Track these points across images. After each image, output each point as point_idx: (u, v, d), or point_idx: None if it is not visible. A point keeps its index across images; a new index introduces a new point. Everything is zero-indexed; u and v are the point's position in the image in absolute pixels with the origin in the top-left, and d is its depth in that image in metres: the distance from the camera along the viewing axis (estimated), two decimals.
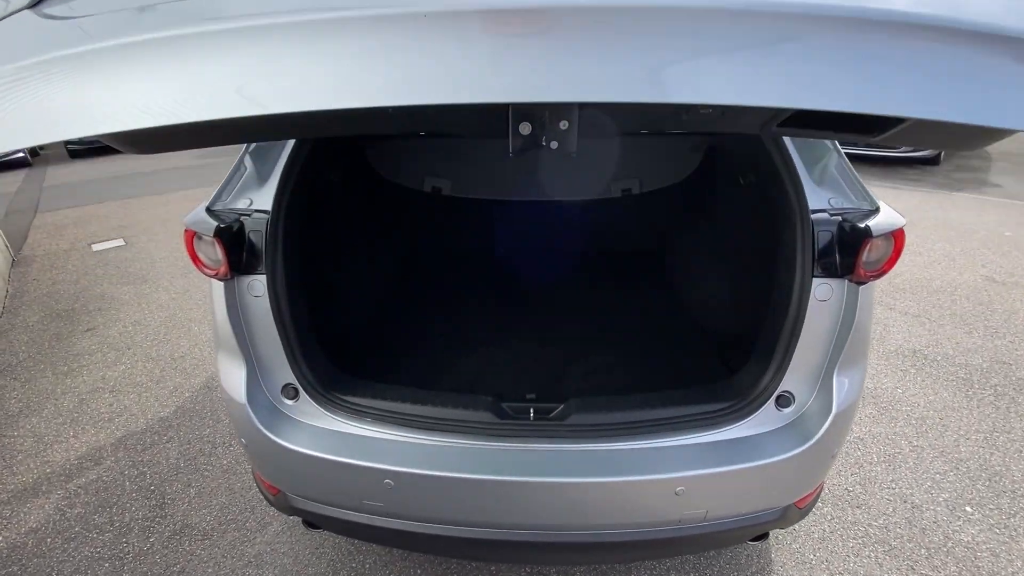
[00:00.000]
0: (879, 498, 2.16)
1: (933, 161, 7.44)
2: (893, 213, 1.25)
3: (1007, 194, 6.19)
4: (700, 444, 1.32)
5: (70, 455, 2.54)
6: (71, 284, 4.60)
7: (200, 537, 2.05)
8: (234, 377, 1.38)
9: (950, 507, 2.12)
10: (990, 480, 2.24)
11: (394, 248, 2.62)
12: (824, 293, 1.27)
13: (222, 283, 1.32)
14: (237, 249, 1.31)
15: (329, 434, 1.36)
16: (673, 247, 2.56)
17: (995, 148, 8.68)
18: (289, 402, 1.41)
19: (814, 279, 1.27)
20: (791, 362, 1.32)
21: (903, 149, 7.24)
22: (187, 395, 2.95)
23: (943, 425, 2.56)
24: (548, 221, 2.83)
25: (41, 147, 14.41)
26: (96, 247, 5.59)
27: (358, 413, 1.38)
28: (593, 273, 2.67)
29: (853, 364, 1.34)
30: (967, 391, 2.79)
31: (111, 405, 2.90)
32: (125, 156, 12.44)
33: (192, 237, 1.28)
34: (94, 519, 2.17)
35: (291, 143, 1.45)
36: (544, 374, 1.79)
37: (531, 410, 1.40)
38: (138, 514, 2.18)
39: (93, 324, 3.84)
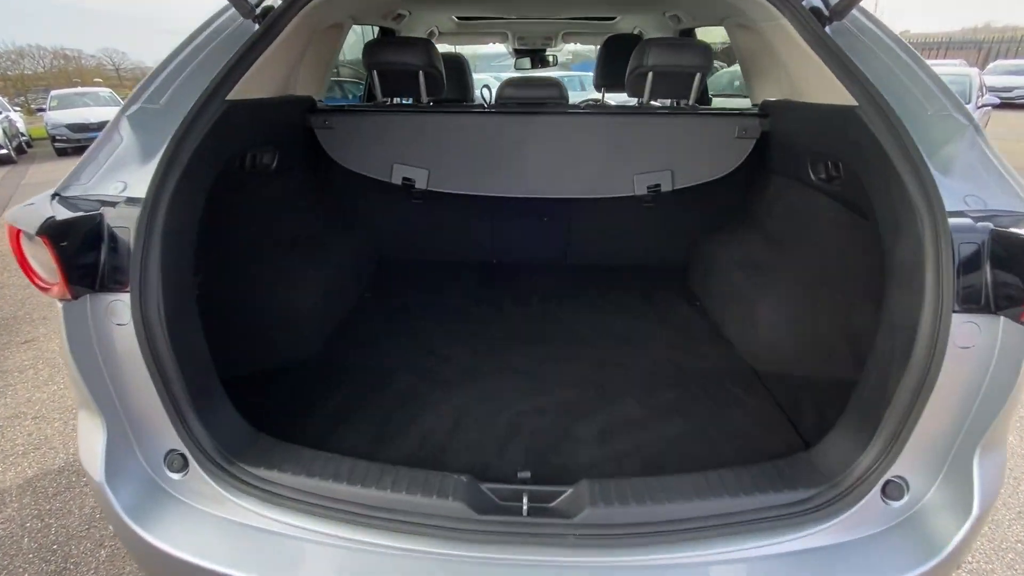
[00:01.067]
0: None
1: None
2: None
3: None
4: (773, 556, 0.88)
5: None
6: (20, 288, 4.16)
7: None
8: (90, 441, 0.94)
9: None
10: None
11: (347, 259, 2.13)
12: (968, 336, 0.85)
13: (65, 304, 0.90)
14: (89, 255, 0.88)
15: (225, 529, 0.92)
16: (715, 262, 2.08)
17: (1011, 162, 8.32)
18: (175, 476, 0.98)
19: (955, 315, 0.85)
20: (912, 434, 0.89)
21: None
22: None
23: None
24: (552, 226, 2.38)
25: (29, 144, 13.98)
26: None
27: (271, 496, 0.94)
28: (610, 294, 2.20)
29: (999, 441, 0.91)
30: None
31: (30, 435, 2.45)
32: None
33: (17, 236, 0.86)
34: None
35: (191, 104, 1.03)
36: (543, 437, 1.34)
37: (524, 498, 0.96)
38: None
39: (33, 335, 3.40)
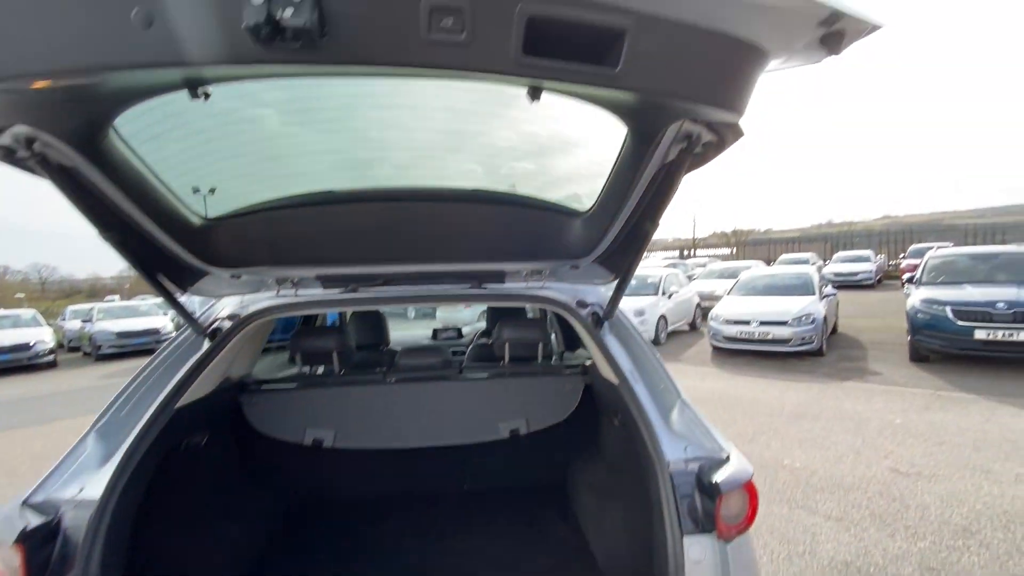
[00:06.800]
0: None
1: (819, 353, 8.34)
2: (742, 461, 1.30)
3: (886, 381, 6.87)
4: None
5: None
6: None
7: None
8: None
9: None
10: None
11: (268, 515, 2.38)
12: (698, 553, 1.23)
13: None
14: (45, 553, 1.12)
15: None
16: (576, 487, 2.50)
17: (868, 337, 9.94)
18: None
19: (685, 537, 1.24)
20: None
21: (792, 343, 8.14)
22: None
23: None
24: (438, 467, 2.76)
25: None
26: None
27: None
28: (499, 520, 2.51)
29: None
30: None
31: None
32: (24, 378, 11.40)
33: None
34: None
35: (151, 412, 1.38)
36: None
37: None
38: None
39: None
